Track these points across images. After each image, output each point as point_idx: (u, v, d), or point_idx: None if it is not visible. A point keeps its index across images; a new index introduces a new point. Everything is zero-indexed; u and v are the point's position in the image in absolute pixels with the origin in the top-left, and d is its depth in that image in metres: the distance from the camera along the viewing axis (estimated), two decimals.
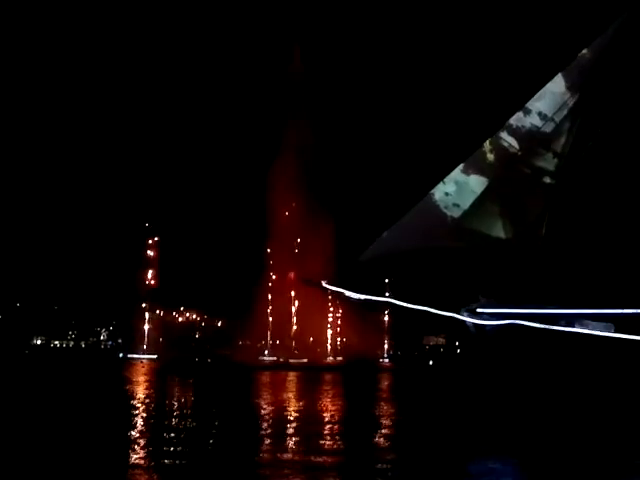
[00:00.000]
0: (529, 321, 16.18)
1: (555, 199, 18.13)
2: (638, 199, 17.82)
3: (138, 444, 13.88)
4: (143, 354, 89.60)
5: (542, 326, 15.83)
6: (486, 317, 16.79)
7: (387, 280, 20.87)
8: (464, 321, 16.90)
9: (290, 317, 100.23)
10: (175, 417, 19.55)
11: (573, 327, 15.82)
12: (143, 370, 58.20)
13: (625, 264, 17.39)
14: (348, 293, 18.05)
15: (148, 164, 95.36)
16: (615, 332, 15.57)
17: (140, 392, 30.04)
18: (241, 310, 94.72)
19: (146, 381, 41.87)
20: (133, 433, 15.49)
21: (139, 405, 23.16)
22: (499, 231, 18.33)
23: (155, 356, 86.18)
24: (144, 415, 20.26)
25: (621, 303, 16.07)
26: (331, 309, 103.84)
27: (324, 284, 18.18)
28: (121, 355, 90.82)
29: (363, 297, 17.94)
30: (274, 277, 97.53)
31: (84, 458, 12.03)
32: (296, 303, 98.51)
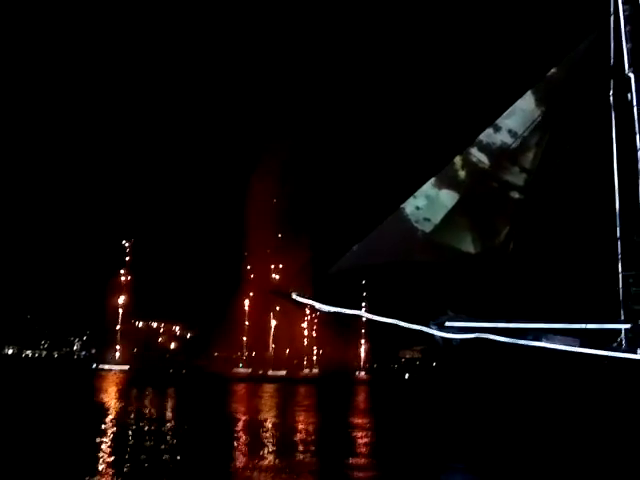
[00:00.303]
0: (497, 335, 16.28)
1: (523, 215, 18.35)
2: (605, 216, 18.09)
3: (103, 463, 13.72)
4: (116, 365, 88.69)
5: (509, 340, 15.93)
6: (454, 331, 16.87)
7: (364, 293, 20.98)
8: (432, 335, 16.95)
9: (266, 329, 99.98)
10: (142, 431, 19.37)
11: (539, 341, 15.96)
12: (115, 381, 57.62)
13: (591, 280, 17.63)
14: (318, 305, 18.01)
15: (124, 173, 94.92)
16: (580, 347, 15.72)
17: (110, 405, 29.70)
18: (217, 321, 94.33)
19: (117, 393, 41.45)
20: (98, 451, 15.29)
21: (107, 419, 22.91)
22: (469, 246, 18.48)
23: (127, 367, 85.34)
24: (112, 430, 20.05)
25: (586, 318, 16.27)
26: (307, 321, 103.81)
27: (293, 295, 18.12)
28: (94, 366, 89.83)
29: (333, 309, 17.92)
30: (250, 288, 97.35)
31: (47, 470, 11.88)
32: (272, 315, 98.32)
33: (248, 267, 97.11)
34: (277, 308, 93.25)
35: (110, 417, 22.92)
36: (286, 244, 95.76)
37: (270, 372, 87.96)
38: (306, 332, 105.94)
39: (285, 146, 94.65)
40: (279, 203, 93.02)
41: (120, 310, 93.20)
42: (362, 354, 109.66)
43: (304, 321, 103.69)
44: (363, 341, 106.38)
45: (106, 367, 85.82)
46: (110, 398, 34.55)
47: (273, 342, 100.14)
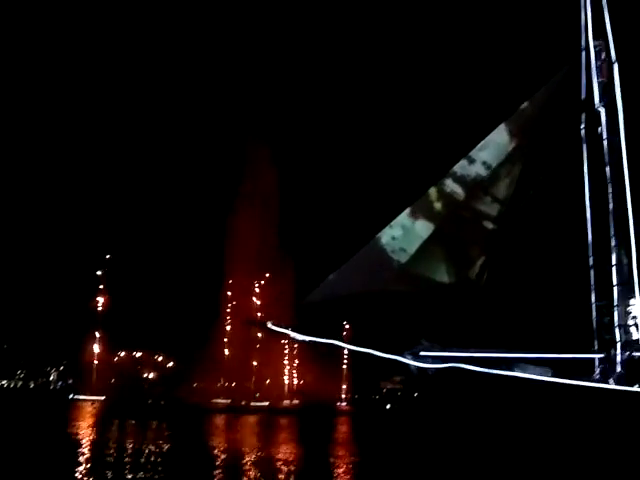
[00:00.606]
0: (471, 364, 16.33)
1: (497, 245, 18.53)
2: (577, 246, 18.33)
3: None
4: (93, 395, 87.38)
5: (482, 370, 15.99)
6: (429, 360, 16.91)
7: (340, 322, 20.93)
8: (407, 364, 16.97)
9: (247, 359, 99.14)
10: (115, 467, 19.03)
11: (512, 371, 16.03)
12: (91, 412, 56.70)
13: (564, 310, 17.79)
14: (293, 334, 18.01)
15: (101, 200, 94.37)
16: (552, 376, 15.81)
17: (84, 437, 29.20)
18: (196, 351, 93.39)
19: (91, 425, 40.72)
20: None
21: (79, 453, 22.48)
22: (444, 276, 18.59)
23: (103, 397, 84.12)
24: (83, 465, 19.67)
25: (559, 348, 16.41)
26: (288, 351, 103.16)
27: (269, 325, 18.10)
28: (71, 396, 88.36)
29: (308, 339, 17.91)
30: (231, 318, 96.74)
31: None
32: (253, 345, 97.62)
33: (228, 296, 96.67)
34: (258, 338, 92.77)
35: (82, 450, 22.52)
36: (267, 274, 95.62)
37: (253, 403, 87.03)
38: (287, 362, 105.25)
39: (266, 174, 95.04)
40: (261, 232, 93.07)
41: (97, 340, 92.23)
42: (343, 385, 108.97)
43: (285, 351, 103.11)
44: (344, 372, 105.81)
45: (81, 397, 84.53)
46: (83, 430, 33.97)
47: (254, 372, 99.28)
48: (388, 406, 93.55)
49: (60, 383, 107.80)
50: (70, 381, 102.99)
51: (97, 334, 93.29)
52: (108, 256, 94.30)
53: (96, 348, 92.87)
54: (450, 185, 18.85)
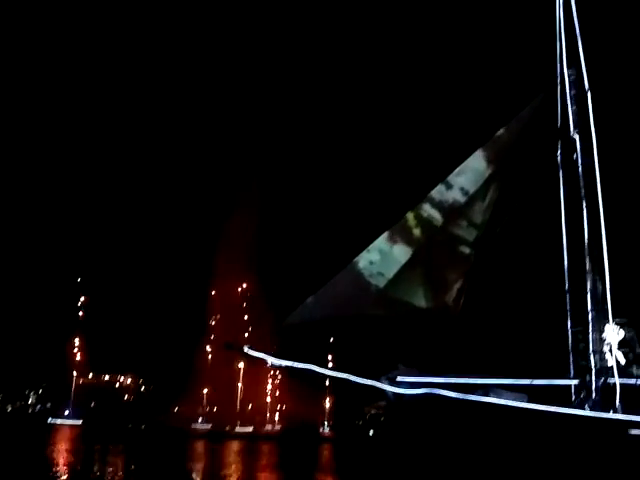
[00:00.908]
0: (447, 390, 16.30)
1: (474, 271, 18.60)
2: (553, 272, 18.44)
3: None
4: (71, 419, 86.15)
5: (458, 396, 15.95)
6: (405, 386, 16.85)
7: (320, 347, 20.83)
8: (384, 390, 16.91)
9: (228, 383, 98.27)
10: None
11: (488, 397, 16.00)
12: (71, 436, 55.84)
13: (539, 336, 17.85)
14: (270, 359, 17.91)
15: (78, 220, 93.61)
16: (528, 402, 15.80)
17: (62, 462, 28.70)
18: (177, 375, 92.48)
19: (70, 450, 40.05)
20: None
21: (58, 476, 22.07)
22: (421, 300, 18.59)
23: (80, 421, 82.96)
24: None
25: (534, 374, 16.43)
26: (270, 376, 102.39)
27: (246, 349, 17.98)
28: (50, 420, 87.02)
29: (285, 363, 17.81)
30: (212, 341, 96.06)
31: None
32: (234, 369, 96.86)
33: (209, 320, 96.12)
34: (240, 362, 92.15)
35: (59, 476, 22.08)
36: (248, 298, 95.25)
37: (238, 429, 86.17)
38: (269, 386, 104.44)
39: (251, 200, 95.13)
40: (242, 255, 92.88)
41: (77, 362, 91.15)
42: (326, 410, 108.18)
43: (267, 375, 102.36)
44: (327, 396, 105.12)
45: (58, 421, 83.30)
46: (61, 455, 33.39)
47: (235, 397, 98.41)
48: (371, 432, 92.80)
49: (39, 407, 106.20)
50: (49, 404, 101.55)
51: (77, 357, 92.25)
52: (88, 279, 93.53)
53: (75, 371, 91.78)
54: (428, 210, 18.96)
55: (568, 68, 19.22)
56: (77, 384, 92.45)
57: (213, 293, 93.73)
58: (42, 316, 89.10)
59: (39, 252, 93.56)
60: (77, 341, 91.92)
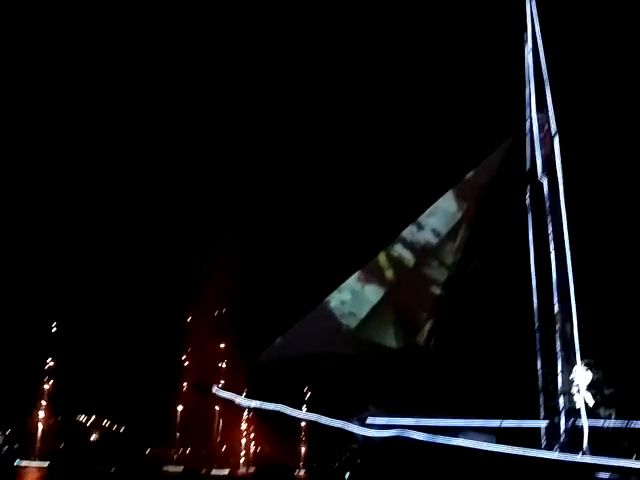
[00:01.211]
0: (416, 431, 16.16)
1: (444, 311, 18.63)
2: (523, 313, 18.54)
3: None
4: (41, 460, 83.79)
5: (427, 438, 15.82)
6: (376, 427, 16.70)
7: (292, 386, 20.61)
8: (352, 432, 16.74)
9: (202, 424, 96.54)
10: None
11: (457, 438, 15.89)
12: (39, 478, 54.21)
13: (509, 377, 17.84)
14: (238, 400, 17.69)
15: (54, 268, 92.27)
16: (497, 443, 15.71)
17: None
18: (149, 416, 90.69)
19: None
20: None
21: None
22: (392, 341, 18.56)
23: (47, 463, 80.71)
24: None
25: (504, 415, 16.37)
26: (244, 417, 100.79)
27: (214, 390, 17.75)
28: (17, 462, 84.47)
29: (254, 404, 17.59)
30: (185, 381, 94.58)
31: None
32: (208, 409, 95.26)
33: (183, 361, 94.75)
34: (214, 403, 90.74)
35: None
36: (222, 337, 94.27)
37: (214, 471, 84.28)
38: (244, 428, 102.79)
39: (227, 247, 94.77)
40: (216, 296, 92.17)
41: (45, 403, 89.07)
42: (301, 452, 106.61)
43: (241, 417, 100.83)
44: (302, 438, 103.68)
45: (25, 463, 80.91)
46: None
47: (209, 438, 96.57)
48: (347, 475, 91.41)
49: (6, 448, 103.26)
50: (16, 446, 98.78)
51: (45, 397, 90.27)
52: (59, 323, 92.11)
53: (44, 412, 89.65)
54: (399, 250, 19.05)
55: (537, 112, 19.61)
56: (45, 425, 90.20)
57: (186, 334, 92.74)
58: (9, 355, 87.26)
59: (6, 295, 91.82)
60: (46, 379, 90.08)
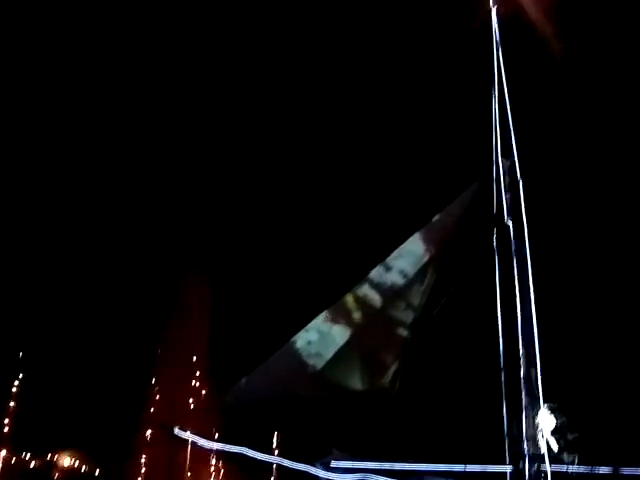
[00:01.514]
0: (380, 476, 16.01)
1: (410, 354, 18.66)
2: (489, 358, 18.58)
3: None
4: None
5: None
6: (340, 471, 16.51)
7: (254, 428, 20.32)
8: (317, 476, 16.52)
9: (173, 465, 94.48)
10: None
11: None
12: None
13: (475, 421, 17.81)
14: (200, 442, 17.38)
15: (22, 301, 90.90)
16: None
17: None
18: (118, 456, 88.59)
19: None
20: None
21: None
22: (357, 383, 18.50)
23: None
24: None
25: (469, 459, 16.27)
26: (215, 459, 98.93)
27: (175, 431, 17.40)
28: None
29: (215, 446, 17.31)
30: (154, 421, 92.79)
31: None
32: (180, 450, 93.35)
33: (151, 404, 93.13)
34: (180, 448, 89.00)
35: None
36: (191, 377, 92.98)
37: None
38: (212, 469, 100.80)
39: (200, 283, 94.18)
40: (187, 335, 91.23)
41: (4, 442, 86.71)
42: None
43: (208, 458, 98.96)
44: None
45: None
46: None
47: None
48: None
49: None
50: None
51: (4, 436, 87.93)
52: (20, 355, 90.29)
53: (3, 451, 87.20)
54: (366, 291, 19.12)
55: (503, 157, 19.96)
56: (5, 465, 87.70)
57: (155, 376, 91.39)
58: None
59: None
60: (7, 417, 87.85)
